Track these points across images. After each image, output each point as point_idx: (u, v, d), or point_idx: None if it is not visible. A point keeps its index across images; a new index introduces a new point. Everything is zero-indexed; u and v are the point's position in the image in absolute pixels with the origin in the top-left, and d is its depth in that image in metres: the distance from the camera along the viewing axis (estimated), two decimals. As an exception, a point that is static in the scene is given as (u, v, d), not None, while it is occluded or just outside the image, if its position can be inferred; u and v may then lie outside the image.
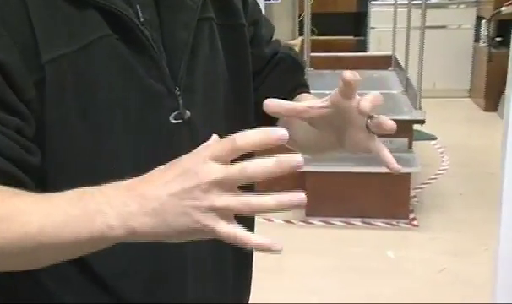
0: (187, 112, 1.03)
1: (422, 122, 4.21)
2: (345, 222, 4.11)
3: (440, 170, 4.86)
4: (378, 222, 4.08)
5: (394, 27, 5.40)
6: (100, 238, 0.78)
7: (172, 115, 1.02)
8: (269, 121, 1.18)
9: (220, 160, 0.74)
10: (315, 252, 3.79)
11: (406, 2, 4.92)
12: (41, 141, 0.90)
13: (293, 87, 1.18)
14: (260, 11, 1.26)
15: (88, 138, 0.91)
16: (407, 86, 4.68)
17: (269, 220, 4.13)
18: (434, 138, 5.29)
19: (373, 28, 6.69)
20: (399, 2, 5.37)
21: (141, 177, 0.78)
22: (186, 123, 1.03)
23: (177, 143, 1.03)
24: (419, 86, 4.31)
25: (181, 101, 1.03)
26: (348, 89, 0.92)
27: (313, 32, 6.15)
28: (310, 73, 5.39)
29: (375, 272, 3.52)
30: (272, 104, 0.95)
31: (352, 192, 4.12)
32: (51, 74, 0.91)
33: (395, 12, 5.38)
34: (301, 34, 5.36)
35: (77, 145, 0.91)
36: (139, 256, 1.02)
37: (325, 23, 6.59)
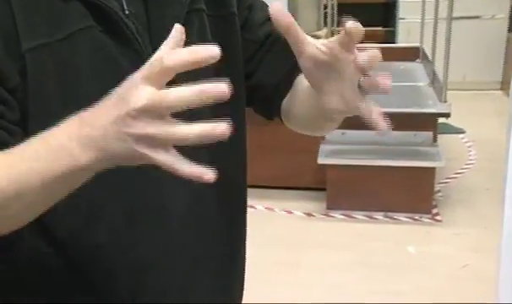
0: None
1: (447, 115, 4.19)
2: (366, 216, 4.12)
3: (467, 164, 4.82)
4: (401, 217, 4.07)
5: (423, 18, 5.37)
6: (71, 169, 0.81)
7: None
8: (267, 105, 1.23)
9: (151, 82, 0.75)
10: (335, 246, 3.81)
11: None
12: (25, 126, 0.92)
13: (289, 70, 1.13)
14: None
15: None
16: (434, 79, 4.64)
17: (290, 212, 4.20)
18: (462, 132, 5.25)
19: (403, 19, 6.67)
20: None
21: (92, 109, 0.81)
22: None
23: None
24: (445, 79, 4.27)
25: None
26: (349, 41, 0.85)
27: (341, 23, 6.15)
28: (336, 65, 5.47)
29: (395, 267, 3.53)
30: (279, 11, 0.85)
31: (374, 186, 4.11)
32: (31, 63, 0.93)
33: (423, 2, 5.34)
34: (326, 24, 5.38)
35: None
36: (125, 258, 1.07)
37: (354, 13, 6.48)
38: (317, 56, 0.88)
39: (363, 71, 0.86)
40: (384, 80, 0.86)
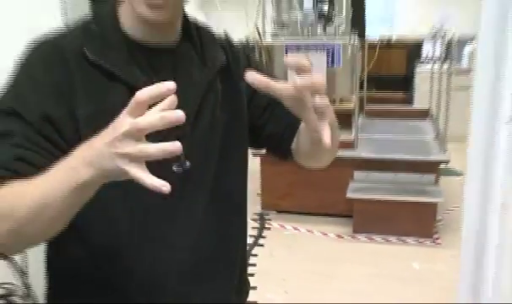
0: (187, 163, 1.01)
1: (446, 162, 4.22)
2: (383, 238, 4.15)
3: (463, 199, 4.75)
4: (409, 240, 4.09)
5: (431, 88, 5.40)
6: (79, 184, 0.80)
7: (175, 165, 1.00)
8: (279, 149, 1.22)
9: (132, 114, 0.75)
10: (359, 261, 3.84)
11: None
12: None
13: (291, 121, 1.07)
14: (266, 72, 1.08)
15: None
16: (437, 134, 4.70)
17: (325, 234, 4.24)
18: (460, 174, 5.31)
19: (419, 87, 6.65)
20: (435, 68, 5.39)
21: (96, 136, 0.80)
22: (185, 172, 1.01)
23: (178, 186, 0.97)
24: (444, 133, 4.35)
25: (182, 156, 0.99)
26: (300, 72, 0.82)
27: (371, 89, 6.29)
28: (364, 121, 5.53)
29: (403, 279, 3.56)
30: (253, 76, 0.83)
31: (390, 216, 4.15)
32: (84, 123, 0.95)
33: (432, 77, 5.40)
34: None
35: None
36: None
37: (381, 82, 6.60)
38: (287, 93, 0.83)
39: (299, 88, 0.81)
40: (321, 99, 0.82)
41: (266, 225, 4.44)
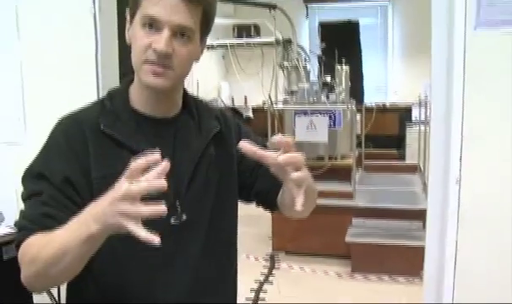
0: (184, 216, 1.05)
1: None
2: (377, 277, 4.13)
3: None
4: (400, 278, 4.06)
5: (419, 146, 5.47)
6: (89, 236, 0.83)
7: (173, 218, 1.03)
8: (267, 203, 1.22)
9: (128, 179, 0.78)
10: (357, 297, 3.82)
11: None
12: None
13: (276, 179, 0.99)
14: (252, 139, 1.11)
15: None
16: (425, 186, 4.72)
17: (326, 273, 4.25)
18: None
19: (409, 145, 6.58)
20: (422, 130, 5.40)
21: (103, 196, 0.82)
22: (182, 224, 1.05)
23: (176, 235, 1.05)
24: None
25: (179, 210, 1.05)
26: (279, 147, 0.87)
27: (369, 147, 6.41)
28: (362, 175, 5.66)
29: None
30: (247, 146, 0.87)
31: (383, 257, 4.15)
32: (97, 185, 0.98)
33: (419, 137, 5.47)
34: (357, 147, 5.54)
35: None
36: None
37: (377, 141, 6.69)
38: (272, 162, 0.87)
39: (295, 169, 0.87)
40: (297, 173, 0.86)
41: (276, 265, 4.50)
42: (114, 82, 1.88)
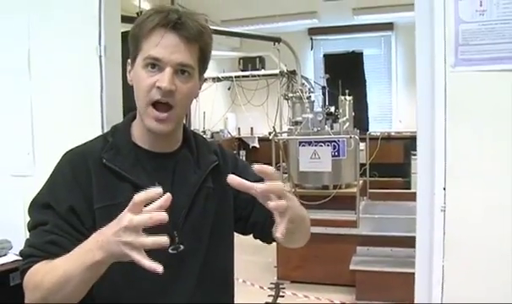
0: (181, 246, 1.07)
1: None
2: None
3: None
4: None
5: None
6: (93, 263, 0.87)
7: (170, 248, 1.05)
8: (263, 234, 1.23)
9: (131, 211, 0.82)
10: None
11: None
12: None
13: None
14: (249, 172, 1.08)
15: None
16: None
17: (331, 301, 4.24)
18: None
19: (414, 173, 6.33)
20: None
21: (107, 225, 0.86)
22: (179, 253, 1.07)
23: (173, 265, 1.05)
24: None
25: (176, 240, 1.07)
26: (266, 177, 0.88)
27: (374, 175, 6.43)
28: (367, 203, 5.66)
29: None
30: (234, 179, 0.89)
31: (387, 285, 4.10)
32: (98, 215, 1.02)
33: None
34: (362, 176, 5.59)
35: None
36: None
37: (382, 169, 6.63)
38: (255, 193, 0.89)
39: (276, 195, 0.88)
40: (272, 203, 0.88)
41: (281, 293, 4.53)
42: (118, 118, 1.98)
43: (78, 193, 1.02)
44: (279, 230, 0.88)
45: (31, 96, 2.17)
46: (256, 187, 0.86)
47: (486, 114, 1.64)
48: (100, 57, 1.99)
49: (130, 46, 1.10)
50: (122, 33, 2.12)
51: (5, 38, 2.18)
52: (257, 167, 0.88)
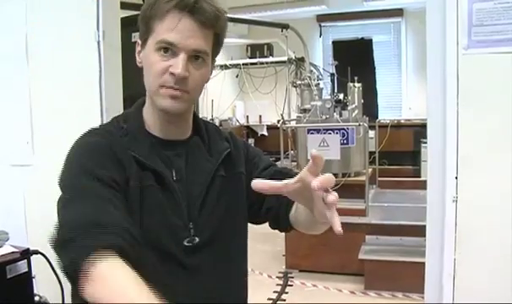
0: (196, 238, 1.05)
1: None
2: (390, 295, 4.05)
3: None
4: (413, 295, 3.91)
5: None
6: None
7: (186, 240, 1.03)
8: (278, 221, 1.19)
9: None
10: None
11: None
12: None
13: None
14: (262, 158, 1.23)
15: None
16: None
17: (340, 290, 4.19)
18: None
19: (424, 161, 5.84)
20: None
21: None
22: (194, 245, 1.05)
23: (189, 257, 1.04)
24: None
25: (192, 231, 1.05)
26: (314, 166, 0.81)
27: (384, 163, 6.36)
28: (377, 191, 5.60)
29: None
30: (259, 183, 0.84)
31: (396, 274, 4.06)
32: (133, 194, 0.99)
33: None
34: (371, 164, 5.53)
35: None
36: None
37: (391, 158, 6.63)
38: (293, 188, 0.85)
39: (315, 189, 0.79)
40: (331, 198, 0.79)
41: (289, 283, 4.48)
42: (117, 106, 1.93)
43: (118, 169, 0.98)
44: (336, 225, 0.79)
45: (29, 83, 2.12)
46: (313, 185, 0.78)
47: (501, 99, 1.55)
48: (99, 42, 1.92)
49: (141, 26, 1.06)
50: (121, 18, 2.05)
51: (2, 23, 2.13)
52: (313, 152, 0.80)
